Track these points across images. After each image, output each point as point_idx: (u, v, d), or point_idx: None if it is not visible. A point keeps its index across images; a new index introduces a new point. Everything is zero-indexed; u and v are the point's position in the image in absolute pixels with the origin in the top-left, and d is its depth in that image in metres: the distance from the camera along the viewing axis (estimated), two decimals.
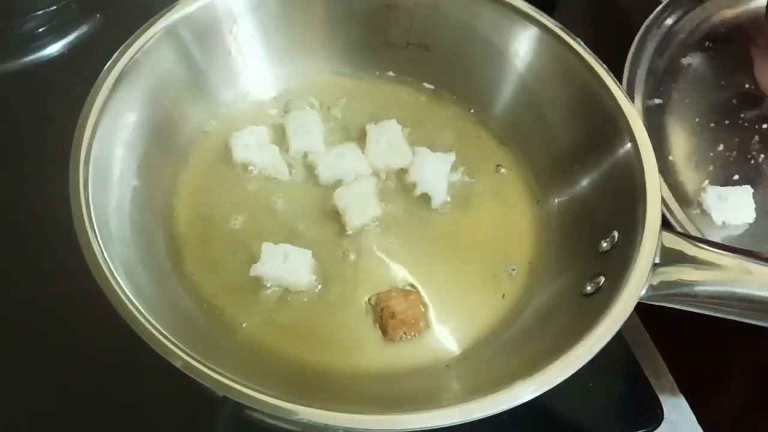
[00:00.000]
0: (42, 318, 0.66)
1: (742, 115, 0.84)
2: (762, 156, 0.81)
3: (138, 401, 0.63)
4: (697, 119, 0.84)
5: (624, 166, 0.63)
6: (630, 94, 0.81)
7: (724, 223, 0.75)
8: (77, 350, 0.64)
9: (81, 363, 0.64)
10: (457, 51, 0.74)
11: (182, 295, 0.61)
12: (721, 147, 0.81)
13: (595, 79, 0.67)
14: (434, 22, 0.74)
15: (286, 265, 0.62)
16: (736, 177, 0.79)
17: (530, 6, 0.70)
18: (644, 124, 0.63)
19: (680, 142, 0.82)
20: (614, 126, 0.65)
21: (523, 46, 0.71)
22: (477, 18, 0.72)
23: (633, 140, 0.63)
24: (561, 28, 0.69)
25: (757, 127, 0.83)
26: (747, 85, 0.87)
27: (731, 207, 0.76)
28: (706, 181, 0.78)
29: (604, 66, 0.67)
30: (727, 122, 0.83)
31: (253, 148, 0.68)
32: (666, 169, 0.78)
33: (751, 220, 0.76)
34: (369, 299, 0.63)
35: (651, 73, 0.85)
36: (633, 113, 0.64)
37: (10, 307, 0.67)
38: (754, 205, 0.76)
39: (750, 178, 0.79)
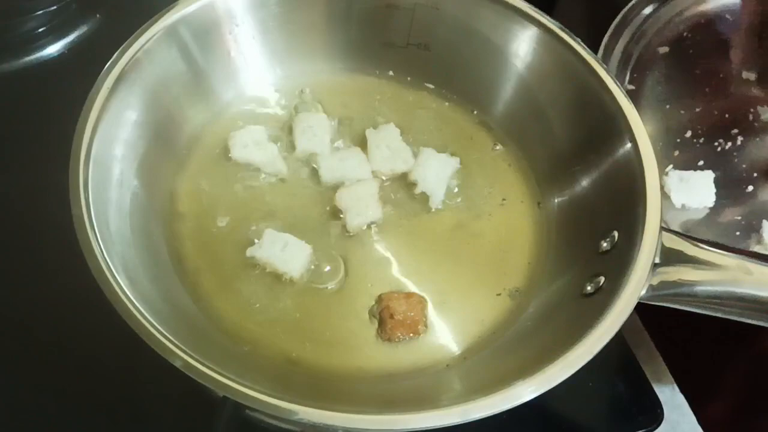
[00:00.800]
0: (42, 318, 0.66)
1: (713, 104, 0.84)
2: (729, 144, 0.81)
3: (138, 401, 0.63)
4: (667, 106, 0.84)
5: (624, 166, 0.63)
6: None
7: (683, 205, 0.76)
8: (77, 350, 0.64)
9: (81, 363, 0.64)
10: (457, 51, 0.74)
11: (182, 295, 0.61)
12: (688, 134, 0.82)
13: (595, 79, 0.67)
14: (434, 22, 0.74)
15: (282, 253, 0.63)
16: (701, 163, 0.80)
17: (530, 6, 0.70)
18: None
19: (648, 127, 0.81)
20: (614, 126, 0.65)
21: (523, 46, 0.71)
22: (477, 18, 0.72)
23: (633, 140, 0.63)
24: (561, 28, 0.69)
25: (726, 116, 0.83)
26: (721, 75, 0.87)
27: (691, 190, 0.76)
28: (671, 165, 0.78)
29: (604, 66, 0.67)
30: (697, 110, 0.84)
31: (252, 146, 0.69)
32: None
33: (711, 204, 0.76)
34: (374, 300, 0.63)
35: (625, 59, 0.85)
36: (633, 113, 0.64)
37: (10, 307, 0.67)
38: (714, 190, 0.76)
39: (715, 165, 0.79)
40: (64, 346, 0.64)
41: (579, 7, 1.08)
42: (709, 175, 0.77)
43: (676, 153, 0.80)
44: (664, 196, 0.76)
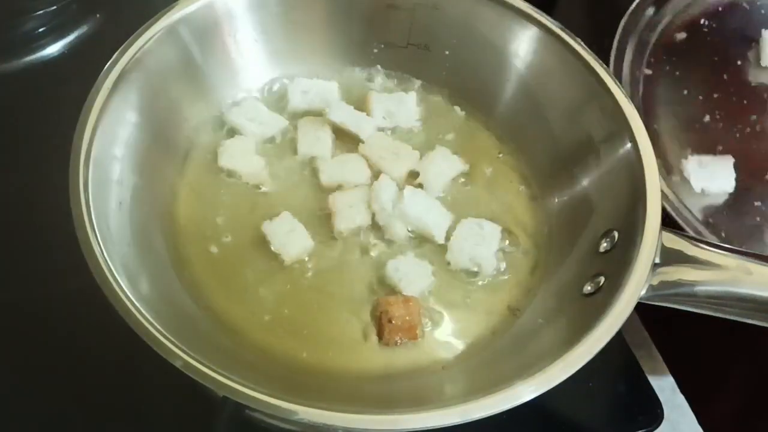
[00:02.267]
0: (42, 318, 0.66)
1: (731, 90, 0.84)
2: (747, 129, 0.81)
3: (138, 401, 0.63)
4: (685, 91, 0.84)
5: (624, 166, 0.63)
6: (618, 63, 0.82)
7: (703, 190, 0.75)
8: (77, 350, 0.64)
9: (81, 363, 0.64)
10: (457, 51, 0.75)
11: (182, 294, 0.61)
12: (707, 118, 0.81)
13: (595, 79, 0.67)
14: (434, 22, 0.74)
15: (285, 236, 0.63)
16: (720, 148, 0.79)
17: (530, 6, 0.70)
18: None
19: (667, 112, 0.82)
20: (614, 126, 0.65)
21: (523, 46, 0.71)
22: (477, 18, 0.72)
23: (633, 140, 0.63)
24: (561, 28, 0.69)
25: (745, 102, 0.83)
26: (739, 62, 0.87)
27: (711, 175, 0.76)
28: (689, 150, 0.78)
29: (604, 66, 0.67)
30: (716, 95, 0.84)
31: (238, 157, 0.68)
32: (650, 138, 0.78)
33: (731, 190, 0.76)
34: (373, 303, 0.63)
35: (642, 44, 0.85)
36: (633, 113, 0.64)
37: (11, 307, 0.67)
38: (734, 175, 0.76)
39: (734, 150, 0.79)
40: (63, 346, 0.64)
41: (579, 6, 1.08)
42: (729, 160, 0.77)
43: (695, 138, 0.80)
44: (684, 181, 0.76)
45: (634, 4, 0.87)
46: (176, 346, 0.49)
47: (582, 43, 0.68)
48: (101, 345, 0.63)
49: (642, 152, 0.62)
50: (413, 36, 0.75)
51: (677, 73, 0.85)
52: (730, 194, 0.76)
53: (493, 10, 0.71)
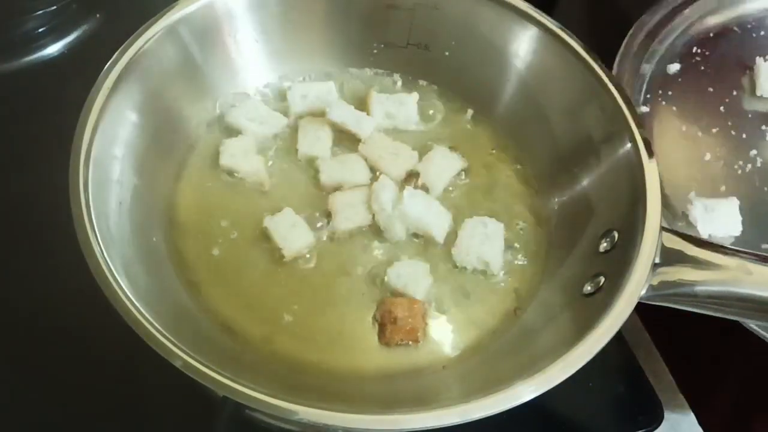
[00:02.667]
0: (42, 318, 0.66)
1: (729, 123, 0.83)
2: (749, 166, 0.80)
3: (138, 401, 0.63)
4: (684, 128, 0.82)
5: (624, 166, 0.63)
6: None
7: (710, 235, 0.74)
8: (77, 350, 0.64)
9: (81, 363, 0.64)
10: (457, 51, 0.75)
11: (182, 294, 0.61)
12: (708, 156, 0.80)
13: (595, 79, 0.67)
14: (434, 22, 0.74)
15: (287, 231, 0.64)
16: (722, 188, 0.78)
17: (530, 6, 0.70)
18: None
19: (667, 152, 0.80)
20: (614, 126, 0.65)
21: (523, 46, 0.71)
22: (477, 18, 0.72)
23: (633, 140, 0.63)
24: (561, 28, 0.69)
25: (744, 136, 0.82)
26: (734, 92, 0.86)
27: (717, 219, 0.74)
28: (693, 192, 0.76)
29: (604, 66, 0.67)
30: (714, 130, 0.82)
31: (239, 156, 0.69)
32: None
33: (738, 233, 0.75)
34: (375, 303, 0.63)
35: (637, 80, 0.84)
36: (633, 113, 0.64)
37: (10, 307, 0.67)
38: (740, 218, 0.74)
39: (737, 188, 0.78)
40: (63, 346, 0.64)
41: (579, 6, 1.08)
42: (734, 203, 0.75)
43: (697, 178, 0.78)
44: (690, 226, 0.74)
45: (625, 39, 0.85)
46: (176, 346, 0.49)
47: (582, 43, 0.68)
48: (101, 345, 0.63)
49: (642, 152, 0.62)
50: (413, 36, 0.75)
51: (674, 108, 0.83)
52: (737, 237, 0.74)
53: (493, 10, 0.71)
